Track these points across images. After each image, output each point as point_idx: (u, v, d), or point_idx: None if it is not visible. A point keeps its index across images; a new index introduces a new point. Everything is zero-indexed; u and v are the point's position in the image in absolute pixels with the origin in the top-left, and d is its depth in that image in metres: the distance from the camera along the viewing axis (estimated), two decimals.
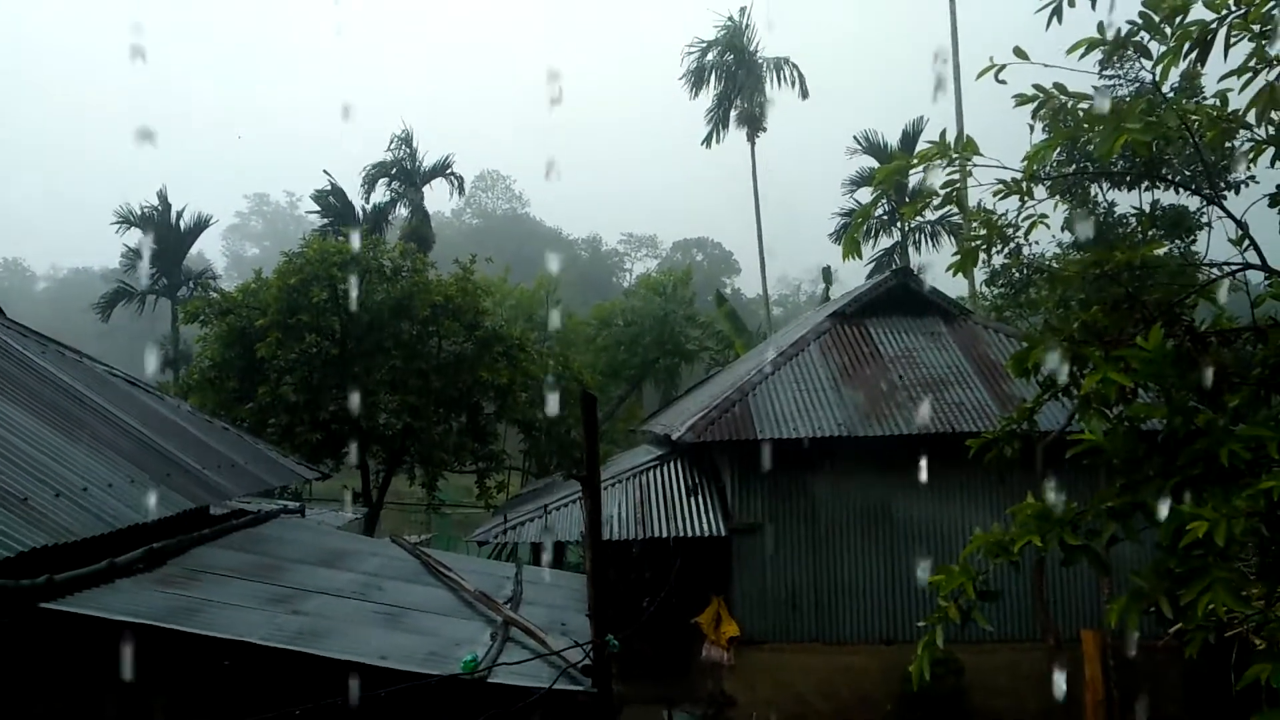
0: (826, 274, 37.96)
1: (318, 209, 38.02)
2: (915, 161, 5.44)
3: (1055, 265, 17.01)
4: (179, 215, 39.81)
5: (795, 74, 38.46)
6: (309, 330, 18.82)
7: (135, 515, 7.07)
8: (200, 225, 40.97)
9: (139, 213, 39.04)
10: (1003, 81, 5.03)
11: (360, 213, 36.54)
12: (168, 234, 39.36)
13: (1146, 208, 19.42)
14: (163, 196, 39.75)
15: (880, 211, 34.37)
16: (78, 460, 7.51)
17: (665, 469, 16.91)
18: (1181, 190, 17.71)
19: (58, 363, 10.22)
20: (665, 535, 14.79)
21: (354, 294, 19.37)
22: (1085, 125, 5.07)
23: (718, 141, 39.42)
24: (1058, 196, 8.37)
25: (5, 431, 7.19)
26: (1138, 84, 16.58)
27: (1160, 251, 6.91)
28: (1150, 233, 17.08)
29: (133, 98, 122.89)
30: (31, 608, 5.38)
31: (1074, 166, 15.31)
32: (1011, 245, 6.54)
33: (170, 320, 39.19)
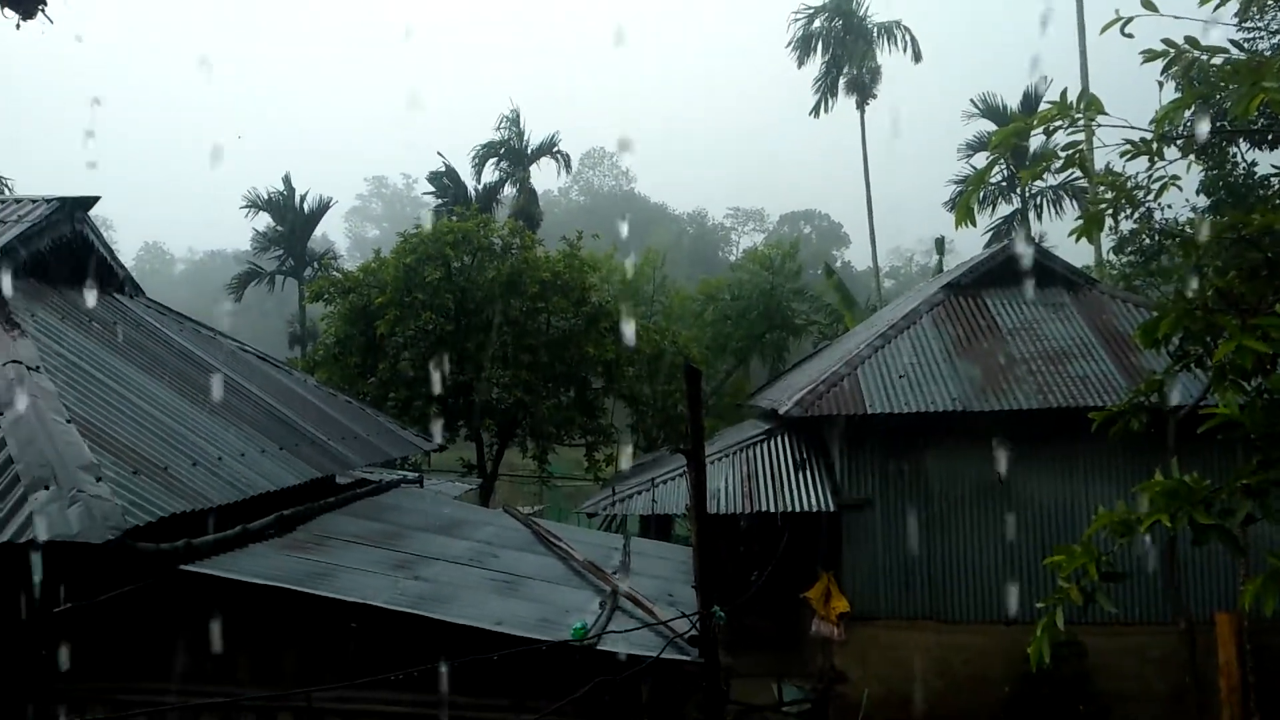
0: (940, 245, 36.67)
1: (432, 190, 39.08)
2: (1035, 123, 5.18)
3: (1189, 230, 16.03)
4: (303, 199, 41.57)
5: (907, 37, 37.16)
6: (424, 308, 19.42)
7: (266, 483, 7.47)
8: (323, 208, 42.65)
9: (266, 197, 40.92)
10: (1129, 36, 4.73)
11: (472, 193, 37.36)
12: (293, 217, 41.19)
13: None
14: (288, 181, 41.56)
15: (998, 177, 33.00)
16: (213, 431, 7.97)
17: (772, 444, 16.78)
18: None
19: (194, 340, 10.84)
20: (773, 510, 14.71)
21: (467, 271, 19.90)
22: (1220, 82, 4.74)
23: (826, 111, 38.52)
24: (1191, 157, 7.86)
25: (146, 404, 7.67)
26: None
27: None
28: None
29: (258, 91, 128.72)
30: (172, 570, 5.75)
31: (1209, 126, 14.33)
32: (1141, 209, 6.20)
33: (297, 299, 41.05)
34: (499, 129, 38.61)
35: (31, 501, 5.35)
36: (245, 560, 6.31)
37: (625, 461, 21.24)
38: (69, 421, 6.16)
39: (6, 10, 2.27)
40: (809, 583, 15.11)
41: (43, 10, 2.31)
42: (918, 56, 37.33)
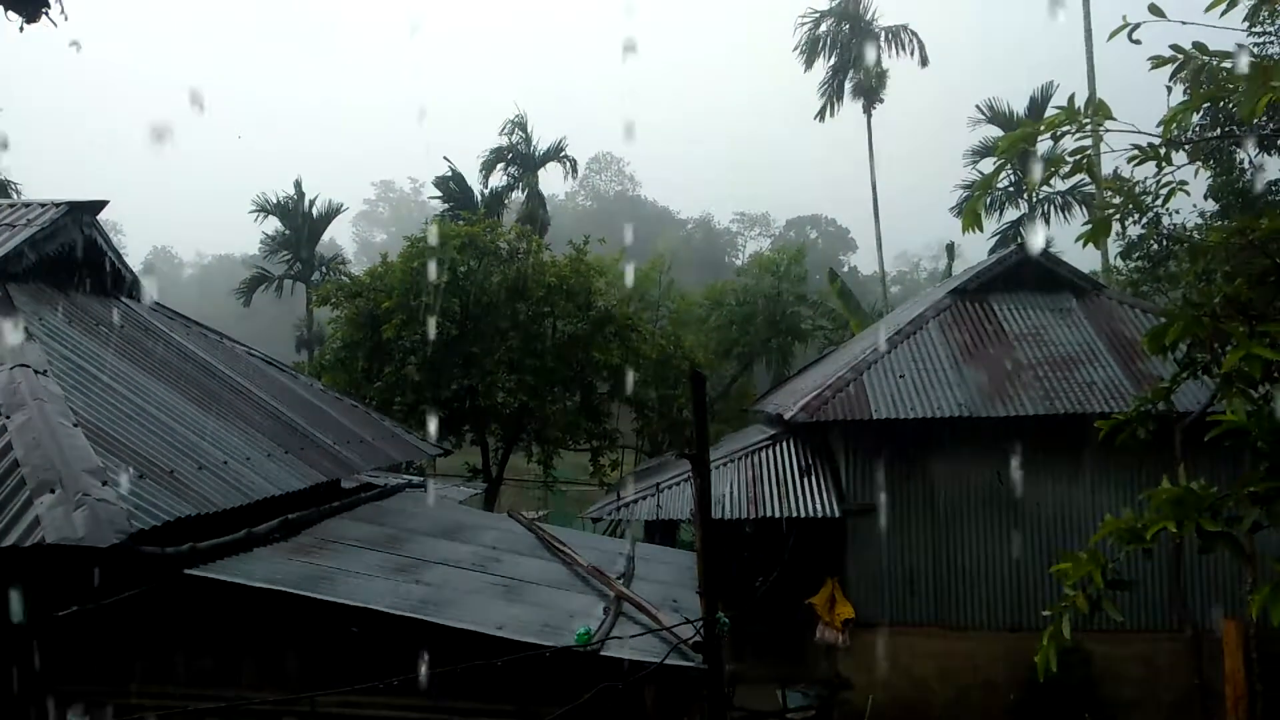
0: (951, 250, 36.60)
1: (439, 195, 39.16)
2: (1042, 128, 5.16)
3: (1196, 235, 15.97)
4: (312, 203, 41.67)
5: (914, 41, 37.15)
6: (431, 312, 19.44)
7: (271, 488, 7.47)
8: (331, 213, 42.76)
9: (276, 202, 41.05)
10: (1137, 42, 4.71)
11: (479, 197, 37.43)
12: (302, 221, 41.30)
13: None
14: (298, 186, 41.67)
15: (1006, 183, 32.94)
16: (219, 435, 7.97)
17: (777, 449, 16.76)
18: None
19: (201, 344, 10.86)
20: (777, 515, 14.68)
21: (473, 276, 19.91)
22: (1229, 85, 4.71)
23: (832, 115, 38.46)
24: (1199, 162, 7.83)
25: (153, 408, 7.68)
26: None
27: None
28: None
29: (266, 94, 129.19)
30: (177, 573, 5.75)
31: (1218, 130, 14.30)
32: (1149, 215, 6.17)
33: (305, 303, 41.16)
34: (506, 133, 38.70)
35: (37, 504, 5.36)
36: (249, 564, 6.31)
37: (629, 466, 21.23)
38: (75, 425, 6.18)
39: (9, 13, 2.26)
40: (814, 588, 15.08)
41: (46, 14, 2.30)
42: (924, 61, 37.32)
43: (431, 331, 19.22)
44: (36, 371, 6.68)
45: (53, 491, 5.44)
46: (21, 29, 2.16)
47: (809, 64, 38.28)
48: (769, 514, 14.73)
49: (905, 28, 37.31)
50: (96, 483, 5.56)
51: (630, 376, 20.71)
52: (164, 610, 5.92)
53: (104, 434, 6.44)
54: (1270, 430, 4.14)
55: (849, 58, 37.42)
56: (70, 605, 5.33)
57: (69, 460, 5.71)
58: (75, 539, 5.13)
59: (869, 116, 37.96)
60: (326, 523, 8.12)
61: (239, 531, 6.60)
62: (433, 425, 18.53)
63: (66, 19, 2.18)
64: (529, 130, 38.67)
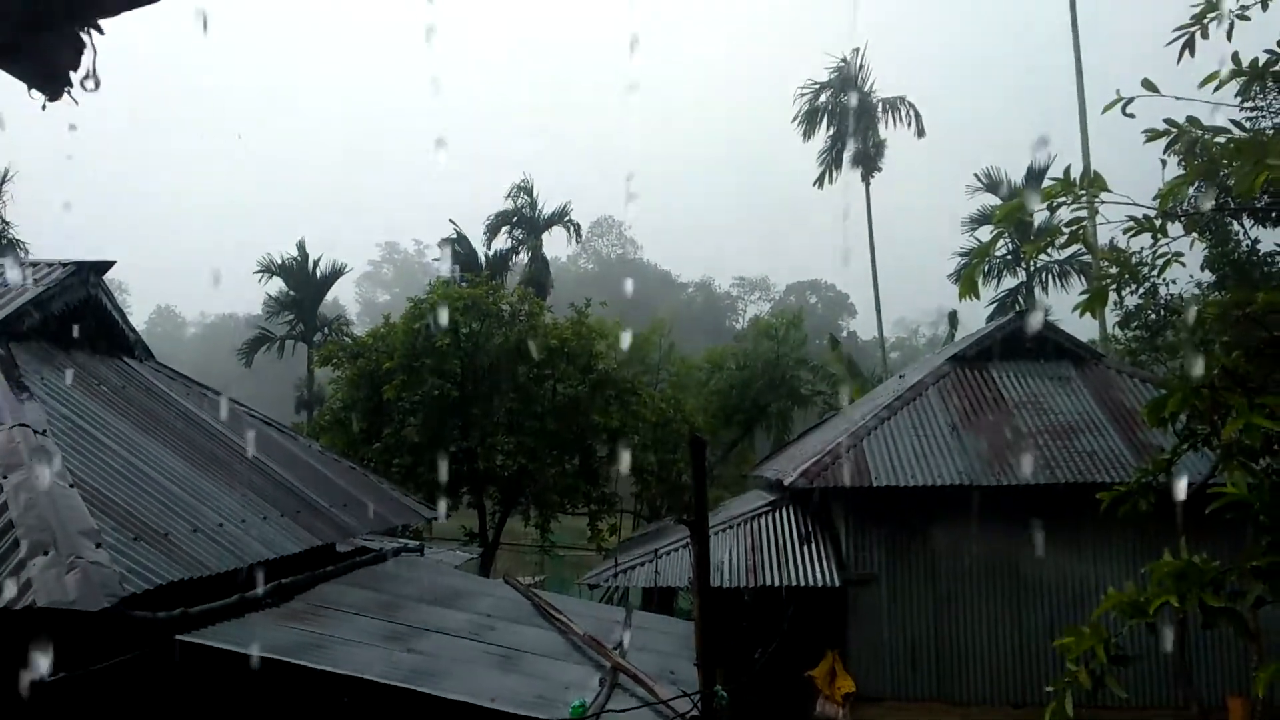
0: (953, 317, 36.81)
1: (444, 256, 39.56)
2: (1039, 199, 5.25)
3: (1193, 306, 16.10)
4: (316, 264, 42.06)
5: (911, 112, 37.91)
6: (432, 373, 19.48)
7: (266, 551, 7.41)
8: (335, 274, 43.16)
9: (280, 262, 41.43)
10: (1131, 115, 4.82)
11: (483, 259, 37.81)
12: (306, 282, 41.64)
13: None
14: (301, 247, 42.12)
15: (1004, 251, 33.31)
16: (215, 497, 7.93)
17: (777, 515, 16.63)
18: None
19: (200, 404, 10.87)
20: (777, 584, 14.50)
21: (475, 338, 20.00)
22: (1223, 160, 4.80)
23: (830, 182, 39.09)
24: (1194, 234, 7.93)
25: (150, 469, 7.65)
26: None
27: None
28: None
29: (275, 154, 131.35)
30: (168, 639, 5.67)
31: (1212, 202, 14.49)
32: (1145, 285, 6.24)
33: (306, 363, 41.26)
34: (510, 197, 39.28)
35: (30, 566, 5.30)
36: (241, 630, 6.22)
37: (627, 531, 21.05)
38: (72, 485, 6.15)
39: (31, 91, 2.32)
40: (813, 661, 14.81)
41: (69, 91, 2.36)
42: (921, 132, 38.03)
43: (432, 393, 19.23)
44: (36, 431, 6.67)
45: (46, 553, 5.39)
46: (44, 107, 2.22)
47: (808, 134, 39.02)
48: (768, 583, 14.55)
49: (902, 99, 38.13)
50: (90, 545, 5.51)
51: (630, 440, 20.66)
52: (155, 675, 5.81)
53: (100, 495, 6.41)
54: (1272, 503, 4.12)
55: (847, 128, 38.15)
56: (61, 670, 5.24)
57: (64, 521, 5.67)
58: (67, 602, 5.07)
59: (867, 185, 38.58)
60: (321, 587, 8.02)
61: (232, 596, 6.52)
62: (431, 487, 18.42)
63: (98, 86, 2.23)
64: (534, 195, 39.28)
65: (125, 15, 2.41)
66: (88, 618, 5.09)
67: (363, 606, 7.76)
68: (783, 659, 12.51)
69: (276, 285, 42.24)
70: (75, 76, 2.39)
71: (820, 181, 39.22)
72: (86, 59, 2.37)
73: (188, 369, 12.85)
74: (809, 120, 38.89)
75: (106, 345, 10.30)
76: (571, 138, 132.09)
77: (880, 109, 38.20)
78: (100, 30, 2.44)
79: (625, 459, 20.53)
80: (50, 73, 2.37)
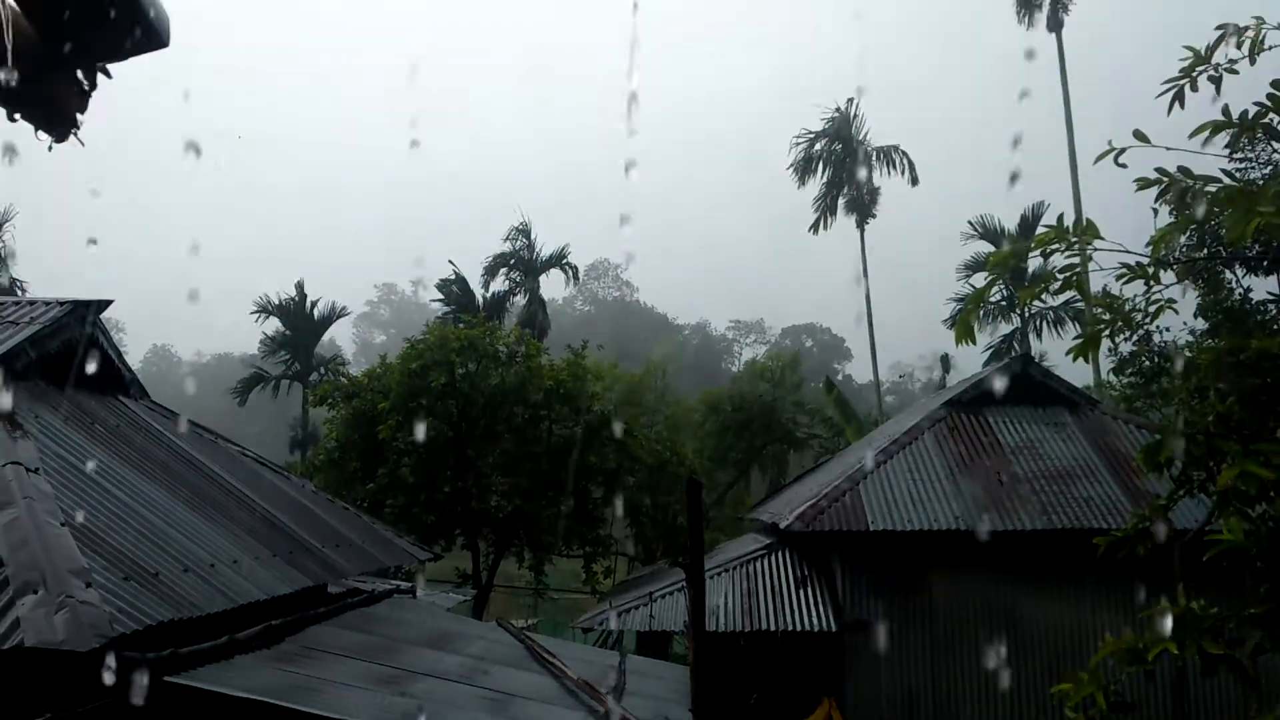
0: (946, 361, 37.04)
1: (441, 297, 39.69)
2: (1033, 246, 5.31)
3: (1187, 353, 16.19)
4: (314, 305, 42.18)
5: (905, 160, 38.39)
6: (427, 414, 19.43)
7: (257, 592, 7.34)
8: (333, 315, 43.28)
9: (278, 303, 41.54)
10: (1123, 165, 4.89)
11: (481, 301, 37.94)
12: (303, 322, 41.73)
13: None
14: (300, 287, 42.29)
15: (998, 297, 33.55)
16: (207, 537, 7.88)
17: (773, 559, 16.50)
18: None
19: (194, 443, 10.83)
20: (773, 629, 14.35)
21: (471, 379, 19.99)
22: (1215, 209, 4.86)
23: (825, 229, 39.50)
24: (1187, 281, 8.00)
25: (143, 508, 7.61)
26: (1271, 166, 15.90)
27: None
28: None
29: (275, 194, 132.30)
30: (157, 680, 5.60)
31: (1204, 250, 14.66)
32: (1139, 331, 6.27)
33: (301, 403, 41.18)
34: (508, 240, 39.54)
35: (19, 605, 5.25)
36: (231, 672, 6.14)
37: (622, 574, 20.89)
38: (63, 524, 6.10)
39: (39, 133, 2.36)
40: (810, 707, 14.60)
41: (75, 133, 2.40)
42: (914, 180, 38.53)
43: (426, 433, 19.17)
44: (28, 469, 6.64)
45: (35, 592, 5.33)
46: (51, 148, 2.25)
47: (803, 181, 39.51)
48: (764, 627, 14.40)
49: (896, 148, 38.65)
50: (80, 584, 5.46)
51: (625, 482, 20.58)
52: (145, 716, 5.72)
53: (91, 534, 6.36)
54: (1269, 550, 4.12)
55: (842, 176, 38.63)
56: (47, 712, 5.16)
57: (54, 561, 5.62)
58: (55, 642, 5.01)
59: (862, 231, 38.97)
60: (312, 629, 7.93)
61: (222, 637, 6.45)
62: (424, 528, 18.30)
63: (84, 145, 2.28)
64: (532, 237, 39.56)
65: (132, 60, 2.46)
66: (77, 658, 5.02)
67: (354, 649, 7.67)
68: (778, 705, 12.34)
69: (273, 325, 42.35)
70: (81, 118, 2.43)
71: (815, 227, 39.64)
72: (92, 102, 2.42)
73: (183, 407, 12.84)
74: (804, 168, 39.39)
75: (102, 384, 10.29)
76: (569, 182, 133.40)
77: (874, 157, 38.70)
78: (108, 74, 2.49)
79: (620, 501, 20.45)
80: (57, 115, 2.41)
